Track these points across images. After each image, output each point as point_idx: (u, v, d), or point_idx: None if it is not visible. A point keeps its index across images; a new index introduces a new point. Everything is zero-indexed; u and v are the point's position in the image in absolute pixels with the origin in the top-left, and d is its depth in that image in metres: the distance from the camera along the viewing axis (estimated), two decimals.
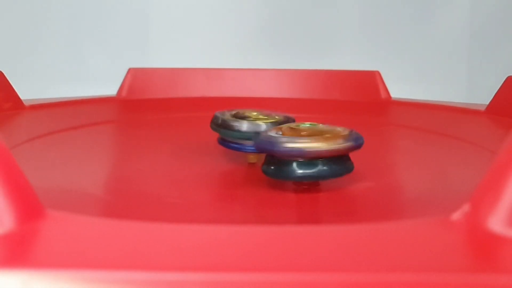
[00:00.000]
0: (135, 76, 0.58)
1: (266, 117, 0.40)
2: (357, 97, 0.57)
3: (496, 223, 0.21)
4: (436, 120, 0.51)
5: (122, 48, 0.72)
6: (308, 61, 0.70)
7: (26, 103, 0.52)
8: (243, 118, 0.40)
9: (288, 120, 0.39)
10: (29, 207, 0.21)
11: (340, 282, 0.18)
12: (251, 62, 0.70)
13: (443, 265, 0.19)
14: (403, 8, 0.72)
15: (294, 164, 0.33)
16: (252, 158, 0.40)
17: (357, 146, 0.34)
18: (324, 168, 0.33)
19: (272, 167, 0.34)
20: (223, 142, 0.40)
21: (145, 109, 0.55)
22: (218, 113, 0.40)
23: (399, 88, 0.59)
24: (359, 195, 0.34)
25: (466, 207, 0.22)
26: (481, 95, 0.59)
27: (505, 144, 0.22)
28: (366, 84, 0.57)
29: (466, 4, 0.71)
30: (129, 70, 0.58)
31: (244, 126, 0.38)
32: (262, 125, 0.38)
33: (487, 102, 0.52)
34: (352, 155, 0.34)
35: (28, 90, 0.54)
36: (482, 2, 0.71)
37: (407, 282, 0.18)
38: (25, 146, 0.42)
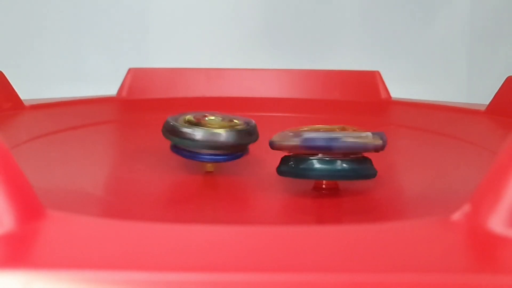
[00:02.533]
0: (135, 76, 0.58)
1: (225, 123, 0.37)
2: (357, 97, 0.57)
3: (496, 223, 0.21)
4: (436, 120, 0.51)
5: (122, 48, 0.72)
6: (308, 61, 0.70)
7: (26, 103, 0.52)
8: (198, 124, 0.36)
9: (249, 124, 0.37)
10: (29, 207, 0.21)
11: (340, 282, 0.18)
12: (252, 62, 0.70)
13: (443, 266, 0.19)
14: (403, 8, 0.72)
15: (312, 162, 0.33)
16: (210, 166, 0.37)
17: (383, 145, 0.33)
18: (344, 167, 0.33)
19: (289, 165, 0.33)
20: (176, 149, 0.37)
21: (145, 109, 0.55)
22: (170, 118, 0.37)
23: (399, 88, 0.59)
24: (359, 195, 0.34)
25: (466, 207, 0.22)
26: (481, 95, 0.59)
27: (506, 144, 0.22)
28: (366, 84, 0.57)
29: (466, 4, 0.71)
30: (129, 70, 0.58)
31: (198, 134, 0.35)
32: (218, 134, 0.35)
33: (487, 102, 0.52)
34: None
35: (28, 90, 0.54)
36: (482, 2, 0.71)
37: (408, 282, 0.18)
38: (25, 146, 0.42)
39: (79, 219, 0.22)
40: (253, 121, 0.37)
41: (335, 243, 0.21)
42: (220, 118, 0.37)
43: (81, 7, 0.71)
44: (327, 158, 0.33)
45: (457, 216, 0.22)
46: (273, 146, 0.34)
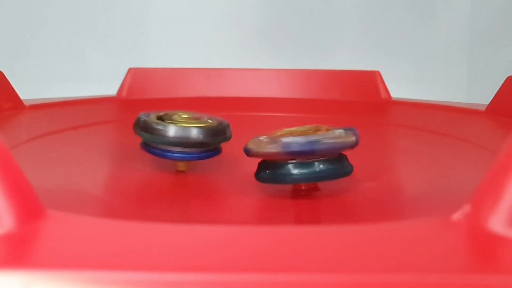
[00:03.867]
0: (135, 76, 0.58)
1: (196, 121, 0.36)
2: (357, 97, 0.57)
3: (496, 224, 0.21)
4: (436, 120, 0.51)
5: (122, 48, 0.72)
6: (308, 61, 0.70)
7: (26, 103, 0.52)
8: (170, 121, 0.36)
9: (222, 124, 0.36)
10: (29, 207, 0.21)
11: (340, 282, 0.18)
12: (252, 62, 0.70)
13: (443, 266, 0.19)
14: (403, 8, 0.72)
15: (290, 166, 0.32)
16: (182, 165, 0.37)
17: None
18: (322, 168, 0.32)
19: (268, 172, 0.33)
20: (146, 147, 0.36)
21: (145, 109, 0.55)
22: (142, 114, 0.37)
23: (399, 88, 0.59)
24: (359, 195, 0.34)
25: (466, 208, 0.22)
26: (481, 95, 0.59)
27: (506, 144, 0.22)
28: (366, 84, 0.57)
29: (466, 4, 0.71)
30: (129, 70, 0.58)
31: (171, 130, 0.35)
32: (190, 130, 0.35)
33: (487, 102, 0.52)
34: (352, 155, 0.34)
35: (28, 90, 0.54)
36: (482, 3, 0.71)
37: (408, 282, 0.18)
38: (25, 146, 0.42)
39: (79, 219, 0.22)
40: (226, 121, 0.37)
41: (335, 243, 0.21)
42: (192, 116, 0.37)
43: (81, 7, 0.71)
44: (304, 162, 0.32)
45: (457, 216, 0.22)
46: (249, 153, 0.33)
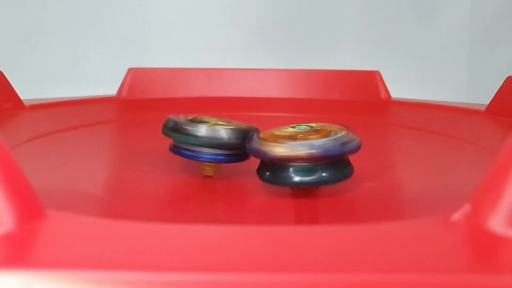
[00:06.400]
0: (135, 76, 0.58)
1: (225, 123, 0.36)
2: (357, 97, 0.57)
3: (496, 224, 0.21)
4: (436, 120, 0.51)
5: (122, 48, 0.72)
6: (308, 61, 0.70)
7: (26, 103, 0.52)
8: (201, 123, 0.36)
9: (251, 127, 0.36)
10: (29, 207, 0.21)
11: (340, 282, 0.18)
12: (251, 62, 0.70)
13: (443, 266, 0.19)
14: (403, 8, 0.72)
15: (291, 170, 0.32)
16: (209, 170, 0.36)
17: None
18: (323, 174, 0.32)
19: (268, 173, 0.32)
20: (175, 149, 0.36)
21: (145, 109, 0.55)
22: (171, 117, 0.36)
23: (399, 88, 0.59)
24: (359, 195, 0.34)
25: (466, 207, 0.22)
26: (481, 95, 0.59)
27: (506, 144, 0.22)
28: (366, 84, 0.57)
29: (466, 4, 0.71)
30: (129, 70, 0.58)
31: (201, 130, 0.34)
32: (221, 131, 0.35)
33: (487, 102, 0.52)
34: (352, 155, 0.34)
35: (28, 90, 0.54)
36: (482, 2, 0.71)
37: (408, 282, 0.18)
38: (25, 146, 0.42)
39: (79, 219, 0.22)
40: (256, 126, 0.36)
41: (335, 243, 0.21)
42: (222, 121, 0.36)
43: (81, 7, 0.71)
44: (307, 165, 0.32)
45: (457, 216, 0.21)
46: (274, 157, 0.32)
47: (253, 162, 0.35)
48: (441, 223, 0.22)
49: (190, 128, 0.35)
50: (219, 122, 0.36)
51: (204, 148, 0.35)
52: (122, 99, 0.57)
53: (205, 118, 0.36)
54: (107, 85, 0.59)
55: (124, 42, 0.72)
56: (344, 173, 0.33)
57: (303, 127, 0.34)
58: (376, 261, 0.19)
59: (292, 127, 0.34)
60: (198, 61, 0.70)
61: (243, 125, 0.36)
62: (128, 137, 0.50)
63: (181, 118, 0.36)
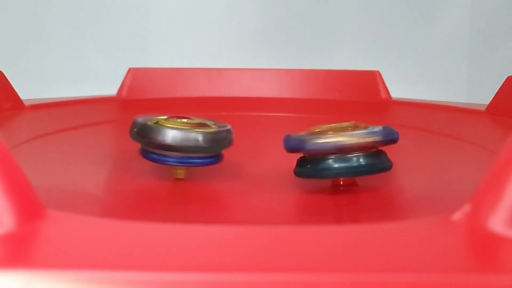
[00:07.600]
0: (135, 76, 0.58)
1: (196, 125, 0.35)
2: (357, 97, 0.57)
3: (496, 224, 0.21)
4: (436, 120, 0.51)
5: (122, 48, 0.72)
6: (308, 61, 0.70)
7: (26, 103, 0.52)
8: (169, 125, 0.34)
9: (224, 127, 0.35)
10: (29, 207, 0.21)
11: (340, 282, 0.18)
12: (251, 62, 0.70)
13: (443, 266, 0.19)
14: (403, 8, 0.72)
15: (330, 161, 0.32)
16: (180, 173, 0.35)
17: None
18: (361, 163, 0.33)
19: (308, 166, 0.33)
20: (145, 153, 0.35)
21: (145, 109, 0.55)
22: (139, 118, 0.35)
23: (399, 88, 0.59)
24: (359, 195, 0.34)
25: (466, 207, 0.22)
26: (481, 95, 0.59)
27: (506, 144, 0.22)
28: (366, 84, 0.57)
29: (466, 4, 0.71)
30: (129, 70, 0.58)
31: (169, 135, 0.33)
32: (195, 134, 0.33)
33: (487, 102, 0.52)
34: None
35: (28, 90, 0.54)
36: (482, 2, 0.71)
37: (408, 282, 0.18)
38: (25, 146, 0.42)
39: (79, 219, 0.22)
40: (229, 125, 0.35)
41: (335, 243, 0.21)
42: (194, 121, 0.35)
43: (81, 7, 0.71)
44: (343, 156, 0.33)
45: (457, 216, 0.21)
46: (339, 148, 0.33)
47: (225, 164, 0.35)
48: (441, 223, 0.22)
49: (159, 132, 0.33)
50: (192, 125, 0.34)
51: (172, 152, 0.34)
52: (122, 99, 0.57)
53: (175, 121, 0.35)
54: (107, 85, 0.59)
55: (124, 42, 0.71)
56: (382, 162, 0.34)
57: (333, 126, 0.34)
58: (377, 261, 0.19)
59: (322, 127, 0.35)
60: (198, 61, 0.70)
61: (216, 125, 0.35)
62: (128, 137, 0.50)
63: (149, 120, 0.35)
